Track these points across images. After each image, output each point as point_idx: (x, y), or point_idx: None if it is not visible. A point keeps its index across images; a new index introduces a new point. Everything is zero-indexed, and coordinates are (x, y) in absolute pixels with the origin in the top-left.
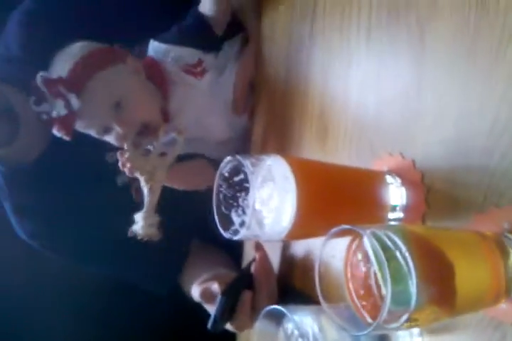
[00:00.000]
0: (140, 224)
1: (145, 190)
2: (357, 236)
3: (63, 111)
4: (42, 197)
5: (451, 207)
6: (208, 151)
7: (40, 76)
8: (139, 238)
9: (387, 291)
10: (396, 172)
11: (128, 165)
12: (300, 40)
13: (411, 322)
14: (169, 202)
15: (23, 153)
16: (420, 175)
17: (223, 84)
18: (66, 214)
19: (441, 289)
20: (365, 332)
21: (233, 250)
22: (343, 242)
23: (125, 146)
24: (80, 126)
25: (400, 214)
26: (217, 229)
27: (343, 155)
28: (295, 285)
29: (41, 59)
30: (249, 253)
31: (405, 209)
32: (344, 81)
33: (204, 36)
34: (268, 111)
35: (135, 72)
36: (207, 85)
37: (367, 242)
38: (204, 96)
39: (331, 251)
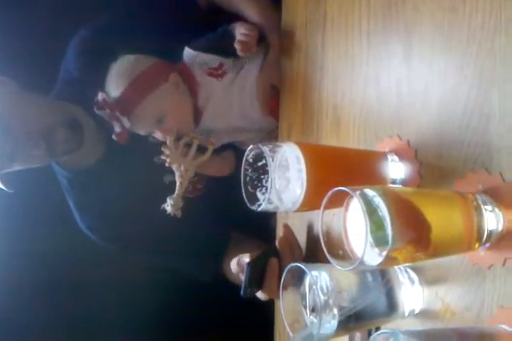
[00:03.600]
0: (170, 205)
1: (177, 182)
2: (349, 199)
3: (118, 129)
4: (99, 195)
5: (439, 177)
6: (238, 141)
7: (97, 100)
8: (166, 213)
9: (366, 232)
10: (395, 151)
11: (168, 160)
12: (314, 49)
13: (392, 260)
14: (212, 198)
15: (85, 158)
16: (414, 152)
17: (240, 82)
18: (120, 208)
19: (416, 234)
20: (353, 267)
21: (268, 239)
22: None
23: (167, 142)
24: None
25: (399, 186)
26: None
27: (354, 142)
28: (320, 260)
29: (95, 78)
30: None
31: (403, 181)
32: (350, 80)
33: (226, 46)
34: (291, 109)
35: (175, 86)
36: (226, 84)
37: (356, 199)
38: (225, 92)
39: (331, 212)
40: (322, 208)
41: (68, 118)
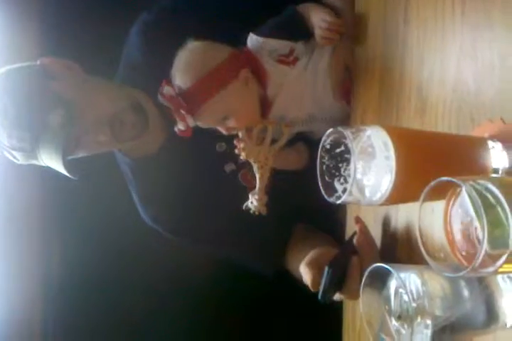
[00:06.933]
0: (253, 202)
1: (257, 175)
2: (454, 192)
3: (182, 127)
4: (163, 185)
5: None
6: (308, 131)
7: (162, 92)
8: (251, 212)
9: (483, 233)
10: (497, 137)
11: (243, 153)
12: (394, 21)
13: (509, 263)
14: (276, 190)
15: (148, 145)
16: None
17: (313, 66)
18: (183, 199)
19: None
20: (462, 273)
21: (335, 232)
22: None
23: (240, 135)
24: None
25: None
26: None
27: (443, 126)
28: (398, 258)
29: (160, 62)
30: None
31: (507, 172)
32: (441, 54)
33: (297, 29)
34: (366, 93)
35: (244, 83)
36: (299, 71)
37: (465, 192)
38: (298, 79)
39: (430, 206)
40: (421, 202)
41: (133, 103)
